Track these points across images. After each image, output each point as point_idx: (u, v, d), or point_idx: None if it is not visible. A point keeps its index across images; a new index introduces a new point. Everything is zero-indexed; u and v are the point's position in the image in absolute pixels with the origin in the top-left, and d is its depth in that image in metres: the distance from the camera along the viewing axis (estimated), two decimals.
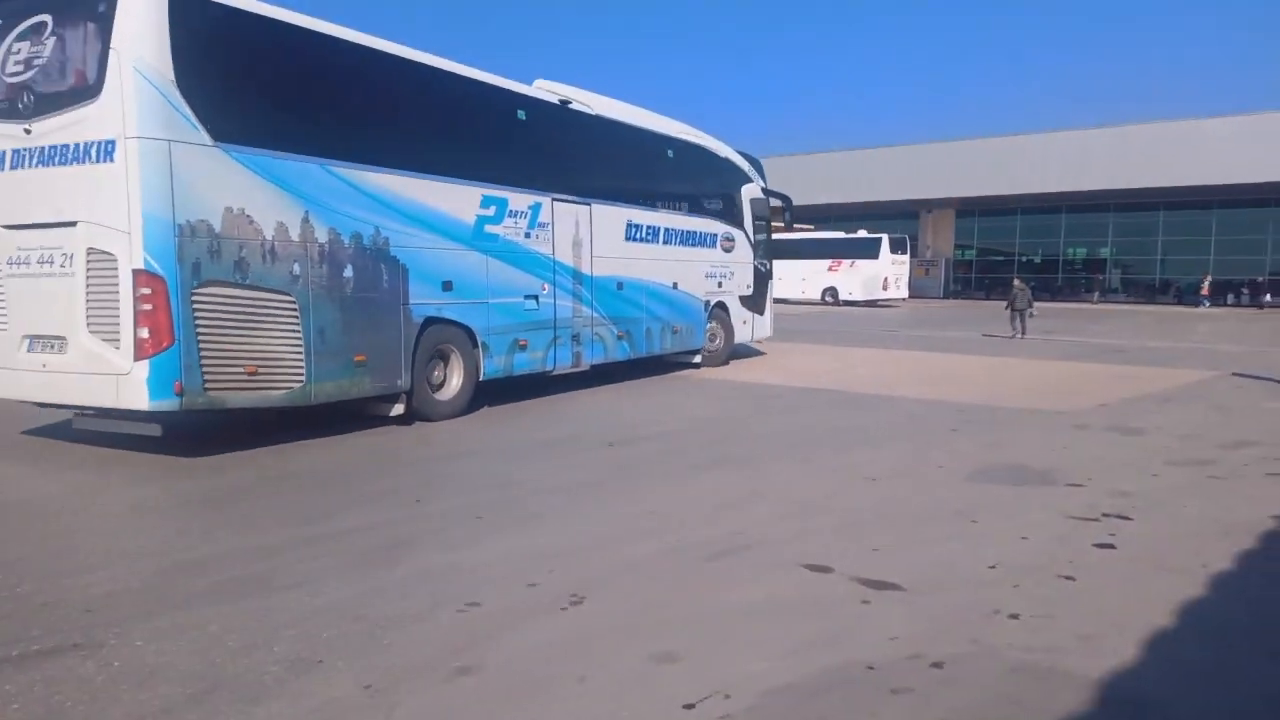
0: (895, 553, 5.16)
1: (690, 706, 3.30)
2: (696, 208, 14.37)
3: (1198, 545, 5.37)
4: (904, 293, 43.54)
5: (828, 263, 43.05)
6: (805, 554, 5.07)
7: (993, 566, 4.95)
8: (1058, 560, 5.07)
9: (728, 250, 15.09)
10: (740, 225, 15.43)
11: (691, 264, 14.06)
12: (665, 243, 13.43)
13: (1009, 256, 54.45)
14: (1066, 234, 51.10)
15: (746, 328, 15.83)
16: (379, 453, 7.96)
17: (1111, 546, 5.36)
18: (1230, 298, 47.09)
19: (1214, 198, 45.69)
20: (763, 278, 16.17)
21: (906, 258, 43.75)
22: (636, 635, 3.95)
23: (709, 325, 14.68)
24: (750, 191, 15.72)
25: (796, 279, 43.77)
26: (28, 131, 7.13)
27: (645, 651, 3.77)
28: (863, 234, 43.93)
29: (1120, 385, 13.10)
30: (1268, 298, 45.05)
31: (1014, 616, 4.23)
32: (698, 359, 14.62)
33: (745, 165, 15.77)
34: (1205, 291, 44.62)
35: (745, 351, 16.54)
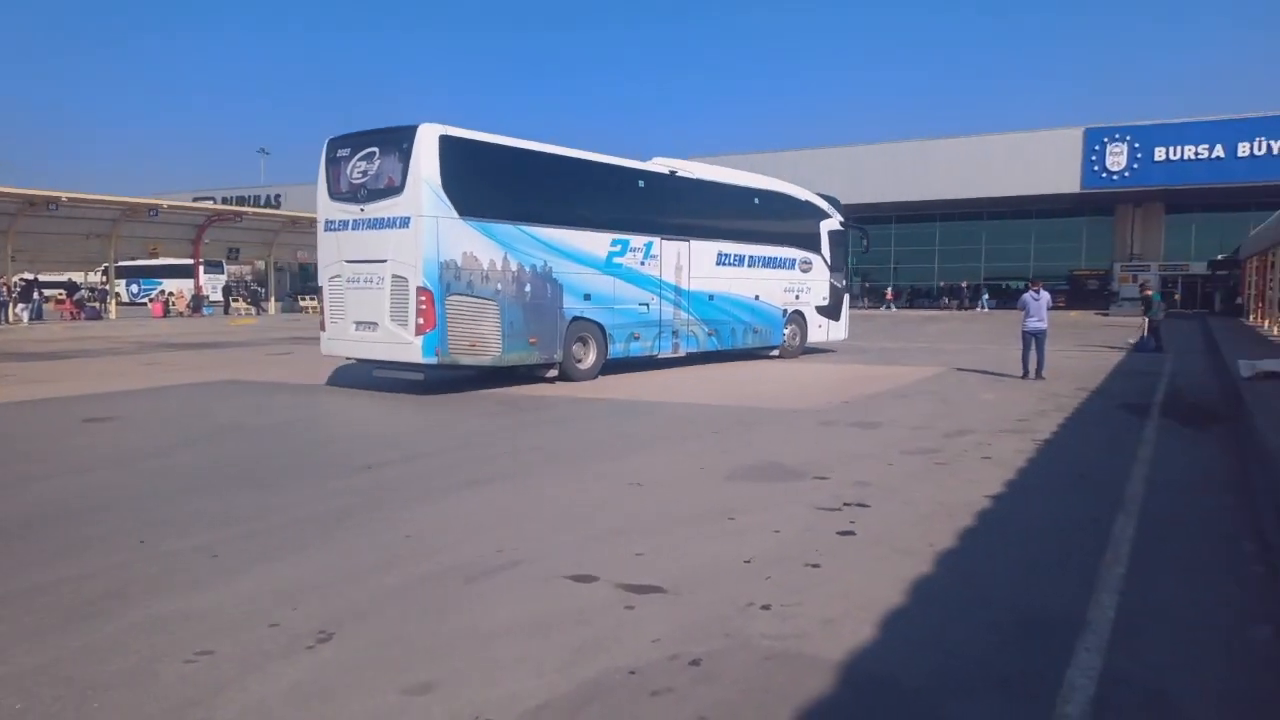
0: (658, 556, 5.23)
1: None
2: (780, 239, 19.02)
3: (926, 527, 5.86)
4: None
5: None
6: (570, 565, 5.03)
7: (748, 561, 5.14)
8: (806, 550, 5.34)
9: (805, 271, 19.80)
10: (817, 251, 20.13)
11: (770, 281, 18.75)
12: (749, 266, 18.14)
13: None
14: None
15: (822, 331, 20.49)
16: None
17: (852, 533, 5.73)
18: (947, 299, 53.30)
19: (941, 211, 51.40)
20: (838, 292, 20.88)
21: None
22: (389, 669, 3.71)
23: (787, 328, 19.36)
24: (828, 225, 20.48)
25: None
26: (362, 210, 12.67)
27: (398, 685, 3.55)
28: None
29: (862, 383, 14.23)
30: (986, 297, 51.17)
31: (766, 608, 4.40)
32: (775, 352, 19.20)
33: (824, 205, 20.49)
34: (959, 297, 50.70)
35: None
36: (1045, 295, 15.24)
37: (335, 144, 13.25)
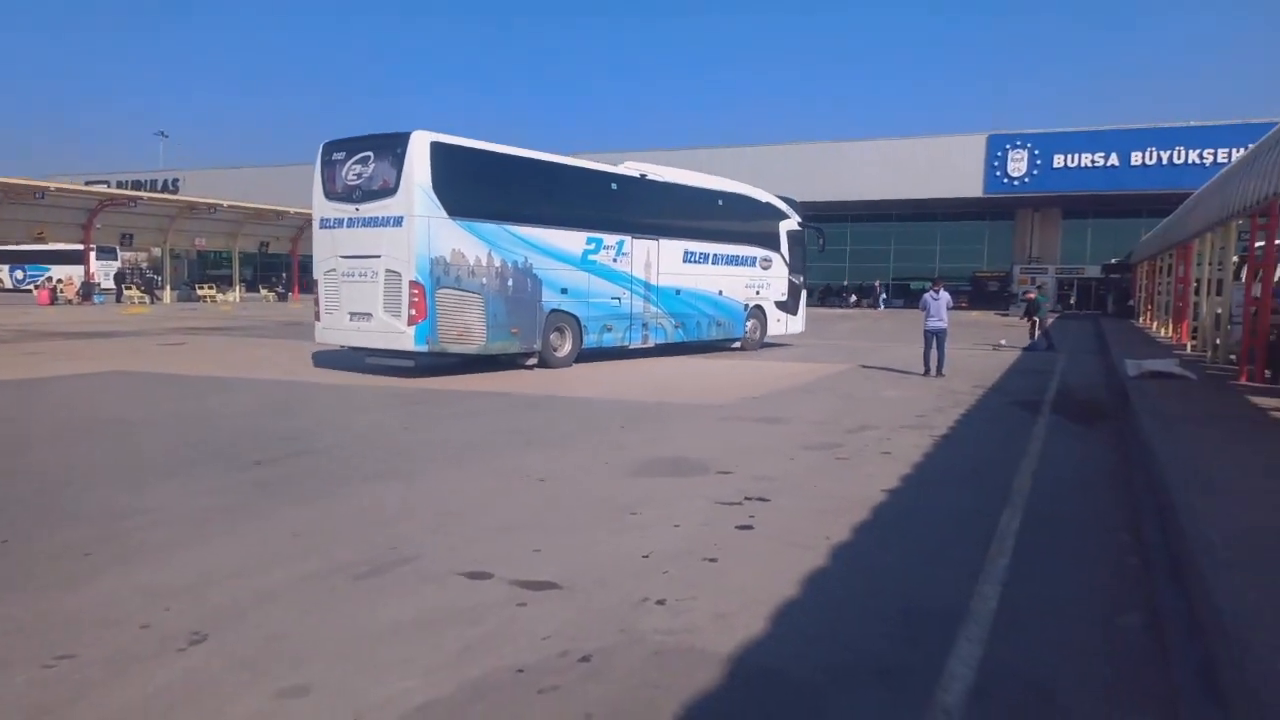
0: (556, 552, 5.17)
1: None
2: (742, 238, 20.06)
3: (823, 521, 5.94)
4: None
5: None
6: (465, 562, 4.92)
7: (646, 556, 5.12)
8: (704, 545, 5.35)
9: (765, 268, 20.84)
10: (777, 249, 21.13)
11: (733, 278, 19.82)
12: (714, 263, 19.21)
13: None
14: None
15: (781, 325, 21.59)
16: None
17: (751, 528, 5.77)
18: (855, 299, 54.82)
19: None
20: (795, 289, 21.93)
21: None
22: (265, 671, 3.56)
23: (749, 322, 20.49)
24: (787, 225, 21.49)
25: None
26: (357, 210, 13.59)
27: (273, 688, 3.41)
28: None
29: (770, 379, 14.41)
30: (883, 297, 52.66)
31: (660, 602, 4.38)
32: (738, 345, 20.36)
33: (783, 206, 21.55)
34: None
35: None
36: (945, 296, 15.70)
37: (330, 148, 14.18)
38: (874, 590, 4.68)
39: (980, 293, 51.96)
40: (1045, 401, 12.47)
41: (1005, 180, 47.43)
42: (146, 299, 42.65)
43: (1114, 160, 45.18)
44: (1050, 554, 5.40)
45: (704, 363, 17.59)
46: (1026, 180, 47.07)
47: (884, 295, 53.58)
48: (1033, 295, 23.54)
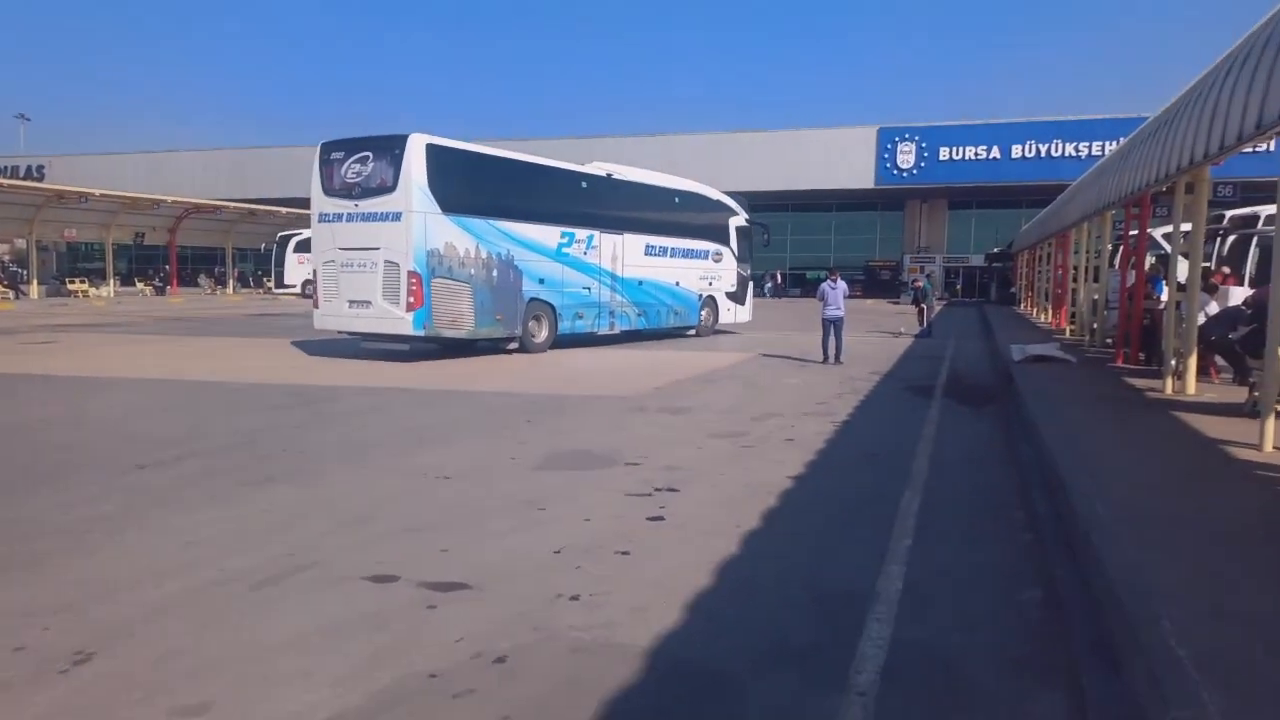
0: (464, 551, 5.05)
1: None
2: (696, 233, 21.83)
3: (733, 509, 5.99)
4: None
5: None
6: (369, 565, 4.75)
7: (558, 552, 5.04)
8: (616, 537, 5.32)
9: (717, 261, 22.62)
10: (727, 244, 22.97)
11: (689, 270, 21.54)
12: (672, 256, 20.84)
13: None
14: None
15: (730, 314, 23.37)
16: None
17: (662, 519, 5.76)
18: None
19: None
20: (744, 280, 23.83)
21: None
22: (157, 689, 3.34)
23: (703, 311, 22.19)
24: (735, 221, 23.33)
25: None
26: (356, 205, 14.79)
27: (167, 707, 3.20)
28: None
29: (674, 369, 14.49)
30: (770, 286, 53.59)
31: (575, 598, 4.32)
32: (693, 332, 22.04)
33: (732, 204, 23.38)
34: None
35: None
36: (842, 285, 16.09)
37: (329, 148, 15.34)
38: (785, 575, 4.73)
39: (874, 281, 53.55)
40: (938, 386, 12.92)
41: (895, 172, 48.98)
42: (10, 294, 39.93)
43: (995, 153, 47.18)
44: (950, 533, 5.57)
45: (594, 354, 17.56)
46: (915, 172, 48.72)
47: (768, 284, 54.21)
48: (920, 284, 24.45)
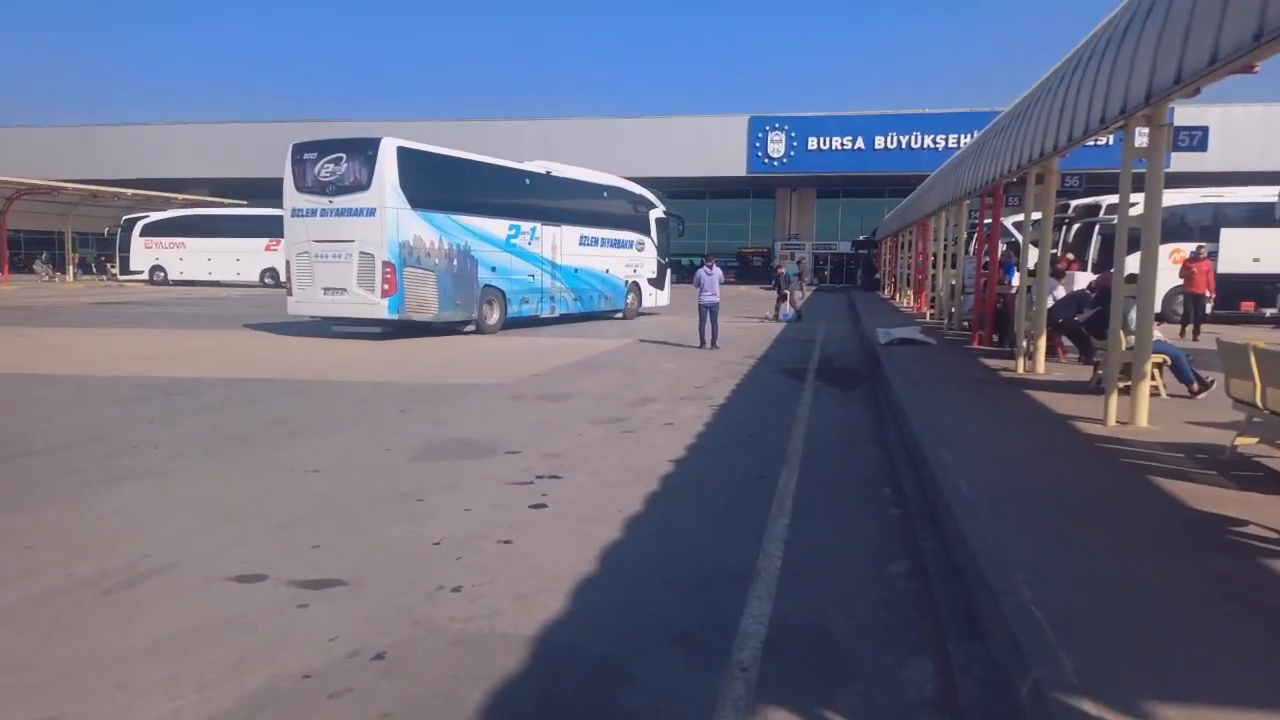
0: (338, 547, 4.86)
1: None
2: (622, 223, 23.92)
3: (615, 494, 6.00)
4: None
5: (265, 241, 40.60)
6: (233, 565, 4.52)
7: (437, 543, 4.93)
8: (498, 527, 5.24)
9: (640, 251, 24.81)
10: (648, 234, 25.20)
11: (617, 259, 23.47)
12: (602, 246, 22.80)
13: None
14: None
15: (652, 298, 25.52)
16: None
17: (545, 506, 5.72)
18: None
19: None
20: (662, 268, 26.10)
21: None
22: (3, 704, 3.08)
23: (629, 296, 24.09)
24: (655, 213, 25.57)
25: (228, 259, 40.98)
26: (330, 202, 16.31)
27: None
28: None
29: (552, 356, 14.40)
30: None
31: (456, 590, 4.23)
32: (620, 314, 23.77)
33: (652, 197, 25.58)
34: None
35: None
36: (718, 271, 16.36)
37: (300, 148, 16.79)
38: (668, 558, 4.77)
39: (746, 267, 54.68)
40: (809, 369, 13.31)
41: (766, 160, 50.07)
42: None
43: (860, 144, 48.86)
44: (825, 510, 5.75)
45: (472, 341, 17.30)
46: (785, 161, 49.93)
47: None
48: (782, 270, 25.31)
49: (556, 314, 21.18)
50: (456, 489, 6.11)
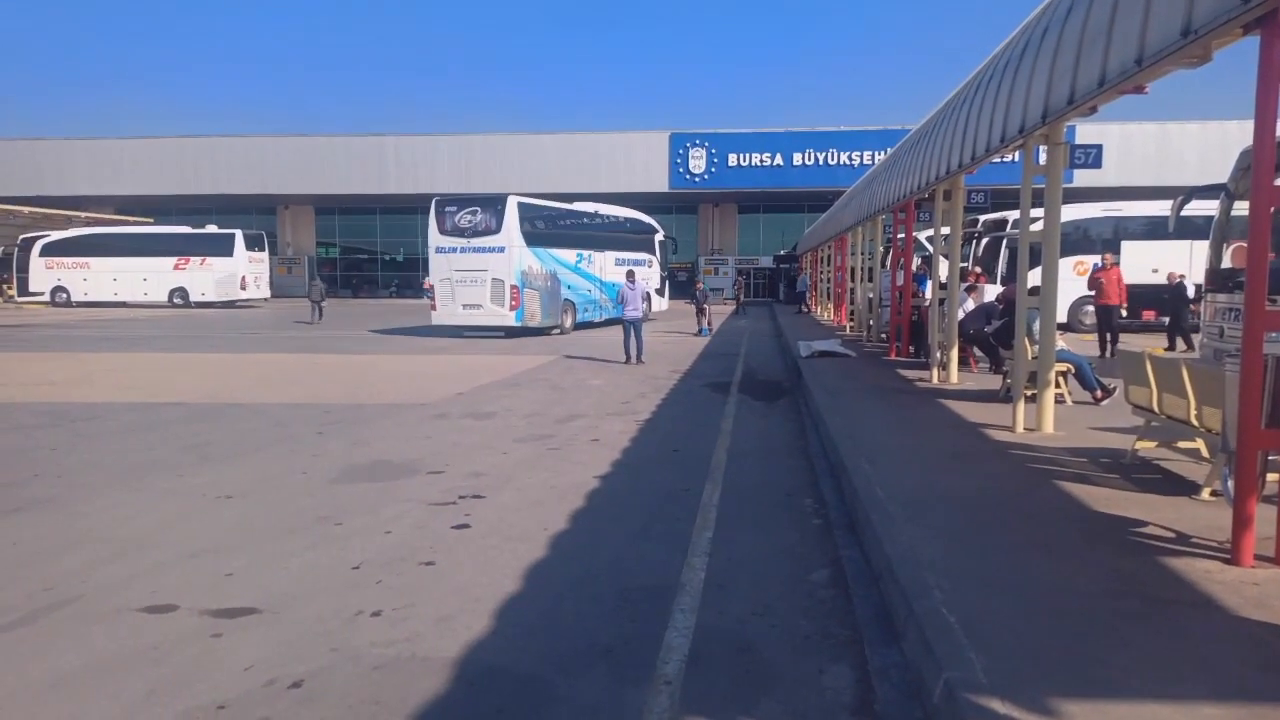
0: (252, 574, 4.74)
1: None
2: (638, 247, 30.50)
3: (540, 512, 5.98)
4: (265, 292, 42.10)
5: (173, 260, 39.64)
6: (142, 596, 4.36)
7: (356, 567, 4.84)
8: (419, 548, 5.17)
9: (650, 268, 30.93)
10: (653, 253, 32.15)
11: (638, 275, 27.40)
12: (628, 265, 24.69)
13: (373, 255, 57.04)
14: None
15: (658, 304, 31.98)
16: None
17: (468, 526, 5.66)
18: None
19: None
20: (663, 280, 33.38)
21: (265, 255, 42.23)
22: None
23: (645, 303, 24.90)
24: (658, 237, 32.92)
25: (135, 279, 39.63)
26: (469, 242, 23.01)
27: None
28: (213, 229, 41.24)
29: (475, 374, 14.27)
30: None
31: (376, 614, 4.16)
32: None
33: (655, 223, 33.08)
34: None
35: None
36: (640, 285, 16.49)
37: (442, 203, 22.88)
38: (592, 575, 4.77)
39: (672, 282, 55.06)
40: (733, 383, 13.48)
41: (688, 177, 50.56)
42: None
43: (779, 160, 49.75)
44: (748, 522, 5.83)
45: (392, 360, 17.04)
46: (706, 177, 50.50)
47: None
48: (700, 285, 26.25)
49: (602, 319, 26.71)
50: (376, 511, 6.00)
